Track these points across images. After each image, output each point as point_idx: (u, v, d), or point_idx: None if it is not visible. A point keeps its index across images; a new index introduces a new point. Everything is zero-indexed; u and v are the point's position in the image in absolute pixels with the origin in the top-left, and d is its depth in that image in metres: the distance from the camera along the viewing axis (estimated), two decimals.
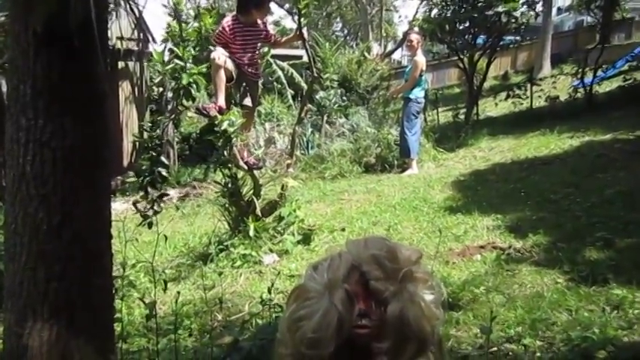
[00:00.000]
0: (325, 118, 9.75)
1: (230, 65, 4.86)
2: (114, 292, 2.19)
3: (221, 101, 4.74)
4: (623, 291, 3.23)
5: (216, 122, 4.67)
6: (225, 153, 4.81)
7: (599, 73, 10.65)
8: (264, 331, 2.68)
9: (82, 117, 2.03)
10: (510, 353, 2.80)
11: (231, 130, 4.62)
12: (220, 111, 4.67)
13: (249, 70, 5.08)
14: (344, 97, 10.36)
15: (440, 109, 11.77)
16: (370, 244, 0.75)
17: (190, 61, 4.52)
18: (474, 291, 3.61)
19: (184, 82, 4.34)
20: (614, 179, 5.62)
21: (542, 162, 6.98)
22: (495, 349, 2.81)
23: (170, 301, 4.42)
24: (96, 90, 2.06)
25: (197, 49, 5.01)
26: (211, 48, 5.18)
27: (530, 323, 3.06)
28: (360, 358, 0.70)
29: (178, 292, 2.92)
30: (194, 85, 4.52)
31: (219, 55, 4.73)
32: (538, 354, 2.75)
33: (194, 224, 6.77)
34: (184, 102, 4.80)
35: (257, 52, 5.18)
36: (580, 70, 10.53)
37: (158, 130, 4.64)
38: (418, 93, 7.88)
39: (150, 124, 4.57)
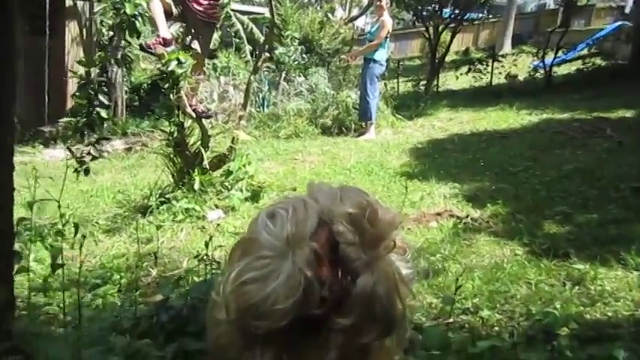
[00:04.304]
0: (283, 75, 9.33)
1: None
2: (14, 234, 1.82)
3: (163, 32, 4.29)
4: (585, 266, 3.11)
5: (163, 62, 4.23)
6: (172, 97, 4.38)
7: (560, 54, 10.70)
8: (197, 289, 2.37)
9: None
10: (467, 325, 2.61)
11: (178, 71, 4.19)
12: (165, 43, 4.22)
13: (197, 7, 4.61)
14: (304, 56, 9.94)
15: (400, 80, 11.57)
16: (346, 198, 0.58)
17: None
18: (429, 259, 3.42)
19: (128, 12, 3.83)
20: (572, 156, 5.56)
21: (501, 135, 6.88)
22: (452, 320, 2.61)
23: (101, 254, 4.07)
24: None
25: None
26: None
27: (489, 295, 2.89)
28: (311, 332, 0.55)
29: (81, 237, 2.50)
30: (139, 18, 4.01)
31: None
32: (496, 328, 2.56)
33: (137, 176, 6.35)
34: (128, 37, 4.31)
35: None
36: (541, 51, 10.54)
37: (97, 69, 4.14)
38: (382, 55, 7.61)
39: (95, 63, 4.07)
